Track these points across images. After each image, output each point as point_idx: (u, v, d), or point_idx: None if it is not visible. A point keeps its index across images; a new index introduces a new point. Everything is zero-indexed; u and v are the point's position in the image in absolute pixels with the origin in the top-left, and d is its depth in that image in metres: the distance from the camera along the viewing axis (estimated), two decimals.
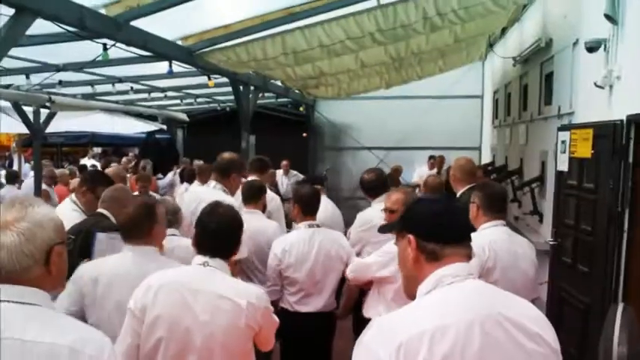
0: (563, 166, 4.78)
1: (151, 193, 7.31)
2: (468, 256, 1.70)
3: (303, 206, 4.02)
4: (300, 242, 3.87)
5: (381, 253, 3.51)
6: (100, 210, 3.74)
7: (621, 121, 3.93)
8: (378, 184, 4.61)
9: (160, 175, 11.11)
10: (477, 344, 1.50)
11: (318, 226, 4.00)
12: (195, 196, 4.41)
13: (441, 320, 1.52)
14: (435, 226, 1.71)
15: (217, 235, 2.45)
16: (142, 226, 2.70)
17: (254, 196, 4.35)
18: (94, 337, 1.66)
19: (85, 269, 2.73)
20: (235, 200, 4.15)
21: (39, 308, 1.63)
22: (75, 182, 6.97)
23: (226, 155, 4.55)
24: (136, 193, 6.72)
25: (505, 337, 1.54)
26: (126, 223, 2.75)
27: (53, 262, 1.66)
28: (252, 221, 4.08)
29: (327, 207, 5.00)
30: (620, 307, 3.01)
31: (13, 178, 9.48)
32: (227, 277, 2.42)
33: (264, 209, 4.45)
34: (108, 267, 2.70)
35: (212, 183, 4.45)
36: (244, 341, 2.37)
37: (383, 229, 1.93)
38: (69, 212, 4.00)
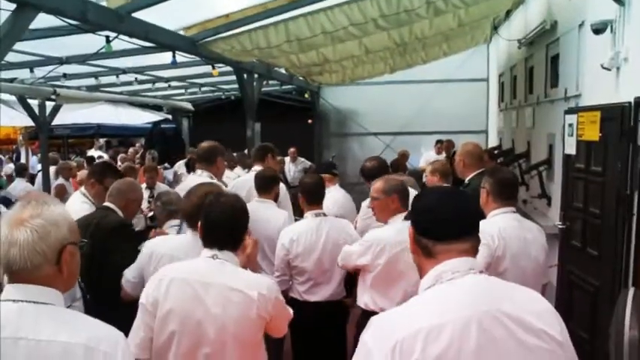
0: (571, 149, 4.75)
1: (158, 183, 7.33)
2: (469, 251, 1.65)
3: (307, 196, 4.04)
4: (308, 232, 3.88)
5: (361, 241, 3.57)
6: (106, 203, 3.76)
7: (629, 103, 3.89)
8: (379, 171, 4.59)
9: (166, 165, 11.12)
10: (474, 343, 1.47)
11: (324, 214, 4.01)
12: (185, 186, 4.46)
13: (438, 319, 1.50)
14: (426, 221, 1.69)
15: (221, 228, 2.43)
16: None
17: (266, 186, 4.38)
18: (108, 333, 1.67)
19: (146, 245, 3.15)
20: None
21: (52, 307, 1.63)
22: (82, 174, 7.01)
23: (205, 144, 4.69)
24: (144, 184, 6.75)
25: (505, 334, 1.50)
26: (190, 211, 3.00)
27: (65, 262, 1.66)
28: (263, 210, 4.12)
29: (336, 197, 4.99)
30: (632, 291, 3.01)
31: (22, 171, 9.52)
32: (237, 268, 2.41)
33: (276, 199, 4.45)
34: (166, 245, 3.06)
35: (198, 172, 4.57)
36: (255, 332, 2.38)
37: (407, 217, 1.89)
38: (79, 204, 4.03)
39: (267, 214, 4.13)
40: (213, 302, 2.29)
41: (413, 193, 3.69)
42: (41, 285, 1.63)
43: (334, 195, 4.97)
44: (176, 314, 2.30)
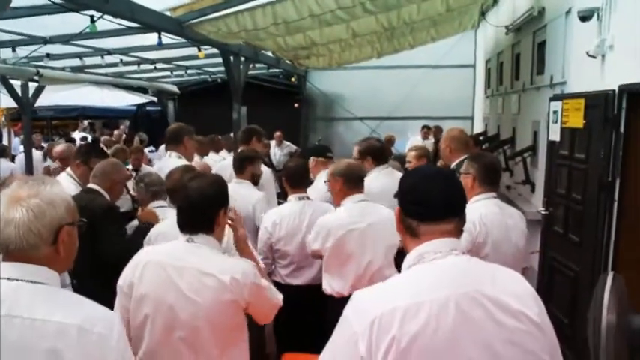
0: (555, 136, 4.79)
1: (144, 165, 7.28)
2: (452, 232, 1.66)
3: (291, 180, 4.07)
4: (291, 215, 3.90)
5: (315, 226, 3.66)
6: (91, 185, 3.73)
7: (613, 90, 3.93)
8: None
9: (151, 148, 11.04)
10: (451, 322, 1.49)
11: (308, 198, 4.04)
12: (159, 167, 4.70)
13: (416, 297, 1.52)
14: (410, 202, 1.70)
15: (189, 212, 2.41)
16: None
17: (240, 167, 4.46)
18: (103, 315, 1.68)
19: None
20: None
21: (47, 287, 1.64)
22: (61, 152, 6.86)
23: (173, 125, 4.85)
24: (130, 166, 6.71)
25: (483, 314, 1.52)
26: (172, 189, 3.21)
27: (62, 242, 1.66)
28: (238, 190, 4.13)
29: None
30: (610, 275, 3.04)
31: (3, 152, 9.42)
32: (212, 251, 2.37)
33: (252, 178, 4.45)
34: (162, 226, 3.20)
35: (168, 153, 4.71)
36: (231, 316, 2.33)
37: (396, 195, 1.89)
38: (65, 185, 4.00)
39: (240, 194, 4.13)
40: (186, 286, 2.27)
41: (398, 176, 3.72)
42: (38, 264, 1.63)
43: None
44: (149, 298, 2.29)
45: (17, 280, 1.60)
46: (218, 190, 2.46)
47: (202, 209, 2.40)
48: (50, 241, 1.64)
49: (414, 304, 1.50)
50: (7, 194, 1.65)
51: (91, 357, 1.58)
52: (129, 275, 2.36)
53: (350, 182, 3.63)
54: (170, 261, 2.33)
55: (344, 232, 3.51)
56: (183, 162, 4.29)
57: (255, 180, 4.47)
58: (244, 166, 4.43)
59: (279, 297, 2.56)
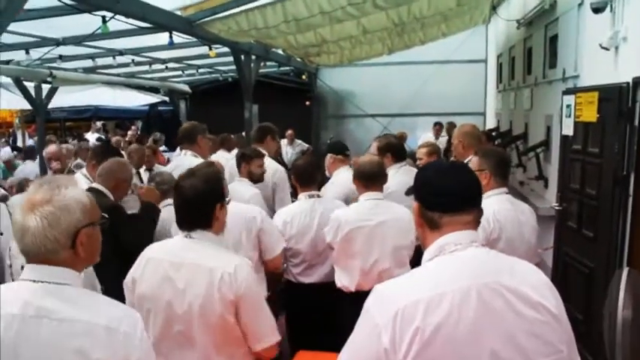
0: (568, 131, 4.75)
1: (157, 165, 7.31)
2: (471, 224, 1.69)
3: (300, 178, 4.09)
4: (302, 213, 3.91)
5: (330, 220, 3.70)
6: (95, 185, 3.72)
7: (627, 83, 3.88)
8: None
9: (164, 148, 11.08)
10: (473, 313, 1.51)
11: (318, 196, 4.05)
12: (173, 166, 4.78)
13: (438, 289, 1.54)
14: (429, 194, 1.72)
15: (184, 209, 2.45)
16: None
17: (238, 166, 4.47)
18: (127, 314, 1.71)
19: None
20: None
21: (70, 288, 1.66)
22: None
23: (186, 124, 4.85)
24: (144, 166, 6.75)
25: (504, 305, 1.54)
26: None
27: (80, 244, 1.68)
28: (237, 188, 4.14)
29: (347, 178, 4.92)
30: (625, 271, 3.02)
31: (29, 153, 9.48)
32: (209, 246, 2.40)
33: (249, 176, 4.41)
34: None
35: (183, 152, 4.74)
36: (221, 313, 2.31)
37: (408, 192, 1.91)
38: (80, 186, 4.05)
39: (236, 191, 4.09)
40: (182, 281, 2.32)
41: (413, 172, 3.73)
42: (59, 266, 1.66)
43: (348, 176, 4.94)
44: (149, 294, 2.35)
45: (41, 282, 1.63)
46: (212, 186, 2.47)
47: (197, 206, 2.42)
48: (68, 245, 1.66)
49: (437, 295, 1.52)
50: (25, 198, 1.67)
51: (117, 356, 1.61)
52: (133, 272, 2.43)
53: (363, 179, 3.65)
54: (168, 257, 2.38)
55: (351, 228, 3.53)
56: (199, 160, 4.31)
57: (252, 178, 4.41)
58: (240, 165, 4.44)
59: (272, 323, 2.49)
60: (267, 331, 2.44)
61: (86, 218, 1.70)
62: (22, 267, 1.70)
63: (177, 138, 5.10)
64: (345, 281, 3.62)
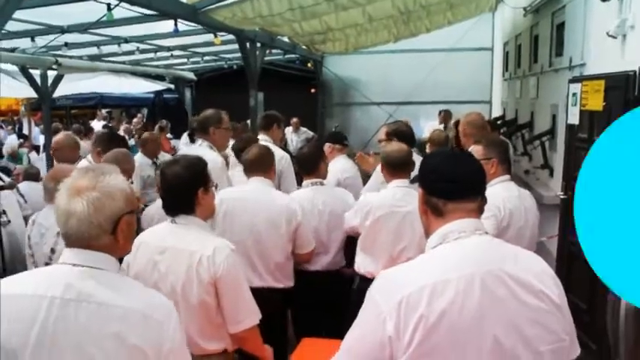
0: (574, 119, 4.73)
1: (163, 153, 7.30)
2: (475, 211, 1.70)
3: (302, 166, 4.15)
4: (304, 200, 3.90)
5: (357, 203, 3.72)
6: None
7: (634, 72, 3.85)
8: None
9: (169, 135, 11.09)
10: (477, 300, 1.52)
11: (321, 184, 4.06)
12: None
13: (442, 276, 1.55)
14: (434, 180, 1.73)
15: (168, 195, 2.57)
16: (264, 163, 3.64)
17: (236, 156, 4.52)
18: (161, 302, 1.74)
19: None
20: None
21: (108, 273, 1.69)
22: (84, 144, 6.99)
23: (202, 113, 4.73)
24: None
25: (507, 293, 1.54)
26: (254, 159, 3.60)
27: (121, 231, 1.72)
28: (236, 177, 4.27)
29: (343, 164, 4.95)
30: None
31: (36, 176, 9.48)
32: (194, 230, 2.50)
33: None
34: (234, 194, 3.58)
35: (198, 142, 4.60)
36: (200, 294, 2.40)
37: (413, 181, 1.94)
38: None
39: (235, 180, 4.30)
40: (165, 265, 2.43)
41: (418, 160, 3.73)
42: (98, 252, 1.69)
43: (342, 162, 4.97)
44: (139, 277, 2.40)
45: (82, 266, 1.66)
46: (193, 172, 2.55)
47: (179, 191, 2.52)
48: (110, 230, 1.69)
49: (441, 282, 1.53)
50: (69, 183, 1.70)
51: (150, 342, 1.63)
52: (127, 257, 2.46)
53: (391, 167, 3.65)
54: (155, 242, 2.49)
55: (384, 212, 3.49)
56: (214, 152, 4.25)
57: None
58: (239, 156, 4.43)
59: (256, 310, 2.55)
60: (247, 313, 2.51)
61: (127, 206, 1.74)
62: (52, 250, 1.73)
63: (182, 126, 5.08)
64: (370, 267, 3.57)
